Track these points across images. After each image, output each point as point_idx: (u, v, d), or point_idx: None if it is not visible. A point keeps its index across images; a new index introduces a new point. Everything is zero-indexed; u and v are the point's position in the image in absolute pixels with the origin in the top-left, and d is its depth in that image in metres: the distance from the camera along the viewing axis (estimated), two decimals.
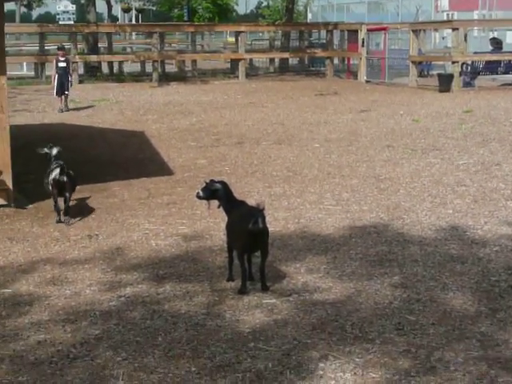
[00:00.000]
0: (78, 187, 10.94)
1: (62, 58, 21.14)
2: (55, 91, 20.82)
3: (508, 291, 6.57)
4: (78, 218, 9.34)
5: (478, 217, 9.08)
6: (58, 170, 9.14)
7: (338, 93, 25.16)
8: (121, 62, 34.05)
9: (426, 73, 30.77)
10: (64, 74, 20.88)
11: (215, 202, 7.09)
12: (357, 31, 31.15)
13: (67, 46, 32.81)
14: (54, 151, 9.64)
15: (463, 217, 9.10)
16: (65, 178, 9.11)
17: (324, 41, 36.51)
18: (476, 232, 8.45)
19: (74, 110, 20.15)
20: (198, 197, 7.11)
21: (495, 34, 35.51)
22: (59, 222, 9.14)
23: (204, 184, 7.09)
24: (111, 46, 36.13)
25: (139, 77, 32.06)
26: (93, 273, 7.27)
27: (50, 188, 9.23)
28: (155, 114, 19.67)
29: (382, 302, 6.32)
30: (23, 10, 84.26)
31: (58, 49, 22.25)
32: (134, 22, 70.39)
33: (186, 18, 58.84)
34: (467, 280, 6.88)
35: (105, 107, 21.31)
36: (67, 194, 9.16)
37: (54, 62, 21.34)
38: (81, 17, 43.16)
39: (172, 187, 11.11)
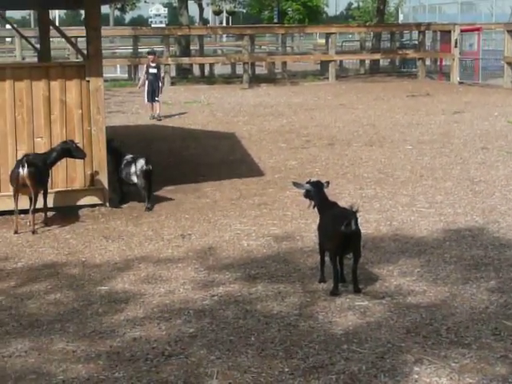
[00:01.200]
0: (171, 187, 11.17)
1: (153, 64, 20.40)
2: (146, 98, 20.15)
3: None
4: (172, 218, 9.48)
5: None
6: (143, 161, 9.83)
7: (430, 94, 24.80)
8: (212, 64, 34.42)
9: None
10: (154, 80, 20.06)
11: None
12: (449, 32, 30.64)
13: (159, 48, 33.44)
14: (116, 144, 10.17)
15: None
16: (151, 167, 9.81)
17: (415, 42, 36.06)
18: None
19: (166, 116, 20.36)
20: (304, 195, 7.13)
21: None
22: (149, 209, 9.82)
23: (298, 184, 7.12)
24: (202, 48, 36.57)
25: (230, 79, 32.32)
26: (186, 272, 7.36)
27: (137, 179, 9.90)
28: (246, 115, 19.78)
29: (478, 307, 6.20)
30: (117, 13, 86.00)
31: (149, 53, 21.75)
32: (224, 24, 71.03)
33: (275, 20, 59.10)
34: None
35: (196, 109, 21.56)
36: (150, 183, 9.95)
37: (145, 67, 20.66)
38: (172, 20, 43.81)
39: (263, 188, 11.16)
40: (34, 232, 8.88)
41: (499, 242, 8.07)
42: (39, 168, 8.95)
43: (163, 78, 22.63)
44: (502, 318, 5.95)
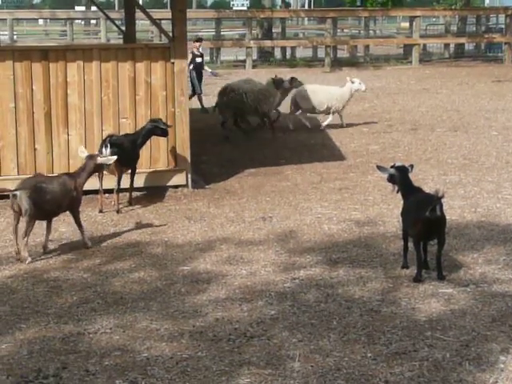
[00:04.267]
0: (252, 170, 11.21)
1: (198, 53, 18.64)
2: (199, 88, 18.38)
3: None
4: (253, 201, 9.52)
5: None
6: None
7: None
8: (293, 48, 34.28)
9: None
10: (200, 72, 18.44)
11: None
12: None
13: (242, 31, 33.48)
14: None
15: None
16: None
17: (502, 26, 35.24)
18: None
19: None
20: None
21: None
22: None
23: (382, 168, 7.05)
24: (284, 31, 36.45)
25: (311, 62, 32.14)
26: (267, 254, 7.38)
27: None
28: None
29: None
30: None
31: (197, 40, 19.50)
32: (306, 7, 70.67)
33: (358, 3, 58.50)
34: None
35: None
36: None
37: (191, 56, 17.97)
38: (253, 3, 43.83)
39: (344, 172, 11.09)
40: (118, 211, 9.03)
41: None
42: (123, 148, 9.08)
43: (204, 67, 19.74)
44: None
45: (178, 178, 10.11)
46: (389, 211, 8.73)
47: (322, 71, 28.20)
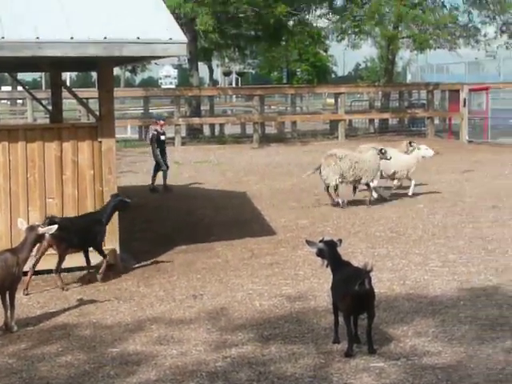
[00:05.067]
0: (183, 247, 11.15)
1: (161, 131, 18.24)
2: (165, 165, 17.85)
3: None
4: (184, 279, 9.44)
5: None
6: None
7: (440, 153, 24.75)
8: (222, 124, 34.64)
9: None
10: (163, 148, 18.05)
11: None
12: (458, 91, 30.86)
13: (170, 109, 33.70)
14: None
15: None
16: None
17: (424, 101, 36.32)
18: None
19: (176, 176, 20.38)
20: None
21: None
22: None
23: (311, 243, 7.09)
24: (213, 108, 36.85)
25: (240, 138, 32.48)
26: (198, 333, 7.29)
27: None
28: (256, 174, 19.84)
29: (494, 368, 6.11)
30: (127, 74, 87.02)
31: (160, 119, 19.48)
32: (234, 84, 71.72)
33: (285, 81, 59.64)
34: None
35: (207, 169, 21.64)
36: None
37: (155, 134, 17.98)
38: (182, 81, 44.30)
39: (275, 247, 11.12)
40: (63, 289, 8.96)
41: None
42: (71, 228, 9.08)
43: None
44: None
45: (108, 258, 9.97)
46: (319, 285, 8.76)
47: (251, 147, 28.51)
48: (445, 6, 36.43)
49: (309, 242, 7.22)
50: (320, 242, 7.03)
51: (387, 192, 15.56)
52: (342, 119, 31.68)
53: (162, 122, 18.90)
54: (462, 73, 51.52)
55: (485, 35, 36.11)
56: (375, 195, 15.00)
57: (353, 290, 6.31)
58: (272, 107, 47.19)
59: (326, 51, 56.68)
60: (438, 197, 15.29)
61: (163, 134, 18.46)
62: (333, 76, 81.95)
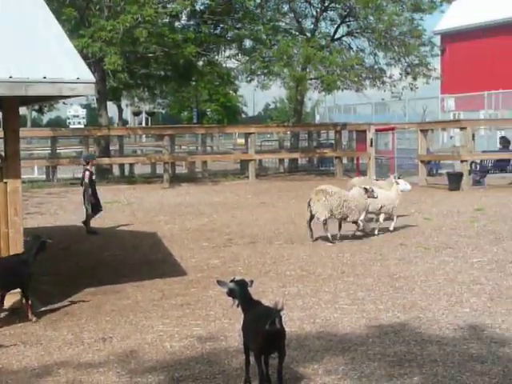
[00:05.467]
0: (92, 289, 10.98)
1: (92, 170, 17.77)
2: (95, 209, 17.35)
3: None
4: (92, 321, 9.28)
5: (496, 315, 8.98)
6: None
7: None
8: (132, 164, 34.48)
9: (434, 172, 30.98)
10: (95, 189, 17.54)
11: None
12: (365, 131, 31.54)
13: (79, 149, 33.33)
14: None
15: (480, 315, 9.00)
16: None
17: (332, 141, 36.99)
18: (494, 331, 8.34)
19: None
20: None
21: (503, 133, 35.87)
22: None
23: (222, 283, 7.08)
24: (122, 148, 36.65)
25: (150, 178, 32.36)
26: (107, 376, 7.17)
27: None
28: (167, 214, 19.75)
29: None
30: (34, 114, 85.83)
31: (91, 158, 19.09)
32: (143, 124, 71.57)
33: (195, 120, 59.87)
34: (488, 380, 6.76)
35: (116, 209, 21.42)
36: None
37: (88, 174, 17.36)
38: (91, 121, 43.93)
39: (185, 288, 11.06)
40: None
41: (421, 337, 8.14)
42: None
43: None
44: None
45: (13, 302, 9.73)
46: (230, 326, 8.74)
47: (161, 187, 28.41)
48: (351, 48, 37.34)
49: (220, 282, 7.21)
50: (231, 281, 7.03)
51: (368, 226, 15.91)
52: (253, 159, 31.91)
53: (93, 161, 18.56)
54: (368, 113, 52.80)
55: (390, 77, 37.06)
56: (362, 228, 15.40)
57: (263, 330, 6.32)
58: (182, 147, 47.29)
59: (235, 91, 57.24)
60: (347, 235, 15.49)
61: (93, 173, 18.08)
62: (243, 116, 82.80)
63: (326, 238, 14.79)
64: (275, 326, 6.31)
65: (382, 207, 15.70)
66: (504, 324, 8.57)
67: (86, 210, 17.30)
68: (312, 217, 14.87)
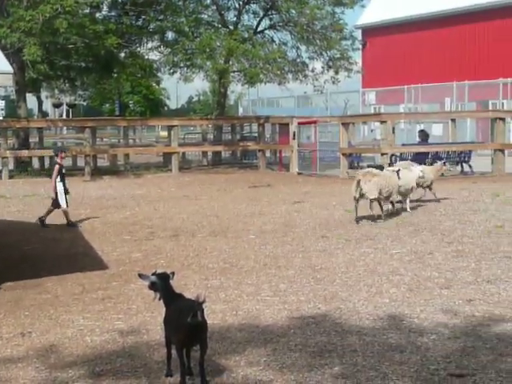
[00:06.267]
0: (10, 284, 10.78)
1: (62, 163, 17.27)
2: (66, 203, 16.76)
3: (447, 380, 6.59)
4: (11, 316, 9.11)
5: (414, 305, 9.15)
6: None
7: (271, 185, 25.43)
8: (52, 157, 33.86)
9: (356, 164, 31.36)
10: (65, 183, 16.96)
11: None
12: (288, 124, 31.75)
13: None
14: None
15: (399, 306, 9.16)
16: None
17: (256, 134, 37.11)
18: (413, 321, 8.50)
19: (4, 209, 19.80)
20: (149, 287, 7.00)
21: (422, 127, 36.58)
22: None
23: (143, 276, 7.03)
24: (42, 140, 36.01)
25: (71, 171, 31.80)
26: (26, 371, 7.06)
27: None
28: (88, 208, 19.52)
29: None
30: None
31: (60, 150, 18.62)
32: (64, 116, 70.49)
33: (117, 113, 59.28)
34: (407, 369, 6.89)
35: (36, 202, 21.06)
36: None
37: (58, 167, 16.93)
38: (10, 112, 43.12)
39: (107, 282, 10.95)
40: None
41: (341, 328, 8.25)
42: None
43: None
44: None
45: None
46: (152, 319, 8.70)
47: (83, 180, 28.07)
48: (274, 42, 37.46)
49: (141, 275, 7.16)
50: (152, 274, 7.00)
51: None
52: (176, 152, 31.79)
53: (63, 153, 17.98)
54: (291, 106, 53.19)
55: (312, 70, 37.32)
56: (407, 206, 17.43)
57: (185, 323, 6.30)
58: (104, 139, 46.80)
59: (158, 84, 56.89)
60: (270, 228, 15.59)
61: (63, 166, 17.40)
62: (166, 108, 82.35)
63: (370, 217, 15.98)
64: (197, 318, 6.30)
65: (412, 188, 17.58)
66: (422, 314, 8.75)
67: (56, 204, 16.82)
68: (361, 196, 15.87)
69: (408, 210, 17.32)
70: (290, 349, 7.52)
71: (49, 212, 16.84)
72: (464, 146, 28.58)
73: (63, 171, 17.09)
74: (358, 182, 15.80)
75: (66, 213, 16.67)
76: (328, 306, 9.18)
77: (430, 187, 18.87)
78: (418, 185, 18.12)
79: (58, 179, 16.84)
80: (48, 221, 16.69)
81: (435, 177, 18.97)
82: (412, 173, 17.58)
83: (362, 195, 15.81)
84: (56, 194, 16.77)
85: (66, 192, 16.86)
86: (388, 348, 7.51)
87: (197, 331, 6.41)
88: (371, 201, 15.98)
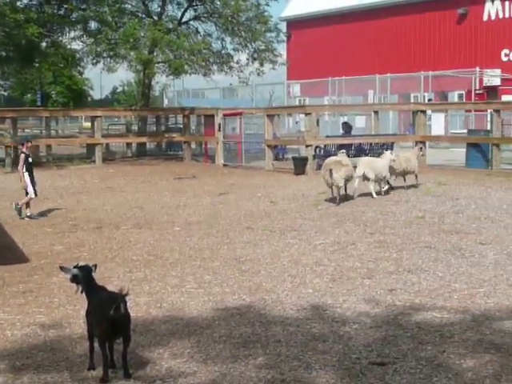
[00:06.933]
0: None
1: (28, 153, 16.96)
2: (34, 192, 16.59)
3: (369, 368, 6.68)
4: None
5: (337, 295, 9.25)
6: None
7: (197, 176, 25.38)
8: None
9: (281, 156, 31.53)
10: (32, 172, 16.75)
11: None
12: (213, 116, 31.70)
13: None
14: None
15: (323, 296, 9.25)
16: None
17: (181, 125, 36.95)
18: (336, 310, 8.60)
19: None
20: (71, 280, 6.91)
21: (345, 119, 36.99)
22: None
23: (65, 269, 6.94)
24: None
25: None
26: None
27: None
28: (9, 200, 19.09)
29: None
30: None
31: (26, 140, 18.06)
32: None
33: (39, 103, 58.22)
34: (329, 358, 6.96)
35: None
36: None
37: (24, 157, 16.62)
38: None
39: (28, 275, 10.76)
40: None
41: (266, 318, 8.28)
42: None
43: None
44: None
45: None
46: (75, 312, 8.59)
47: (4, 172, 27.53)
48: (199, 33, 37.35)
49: (63, 268, 7.06)
50: (74, 267, 6.91)
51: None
52: (99, 143, 31.47)
53: (29, 143, 17.49)
54: (217, 98, 53.14)
55: (237, 62, 37.32)
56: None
57: (108, 316, 6.24)
58: (26, 130, 45.94)
59: (81, 74, 56.04)
60: (195, 219, 15.55)
61: (29, 155, 17.04)
62: (89, 99, 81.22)
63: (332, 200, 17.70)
64: (120, 311, 6.25)
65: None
66: (345, 304, 8.85)
67: (26, 194, 16.53)
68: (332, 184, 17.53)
69: (374, 196, 18.38)
70: (214, 340, 7.53)
71: (25, 202, 16.54)
72: (386, 138, 28.98)
73: (30, 160, 16.81)
74: (331, 170, 17.30)
75: (28, 202, 16.48)
76: (252, 297, 9.21)
77: (415, 173, 20.30)
78: (398, 171, 19.62)
79: (24, 169, 16.58)
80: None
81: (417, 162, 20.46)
82: (384, 160, 19.01)
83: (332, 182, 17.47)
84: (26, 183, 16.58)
85: (33, 181, 16.68)
86: (311, 338, 7.58)
87: (120, 324, 6.36)
88: (339, 187, 17.58)
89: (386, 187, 19.36)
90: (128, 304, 6.45)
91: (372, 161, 19.32)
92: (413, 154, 20.80)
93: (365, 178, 18.52)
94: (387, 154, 19.38)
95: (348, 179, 17.93)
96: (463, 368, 6.65)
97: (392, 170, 19.18)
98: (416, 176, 20.44)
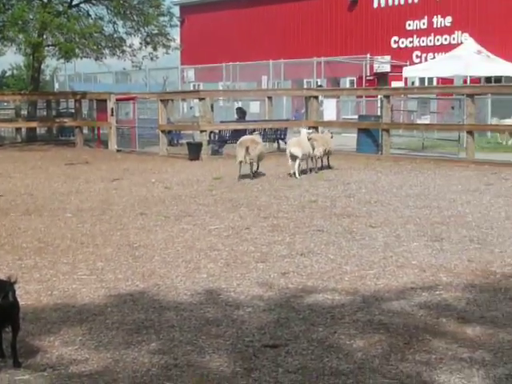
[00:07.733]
0: None
1: None
2: None
3: (261, 350, 6.74)
4: None
5: (231, 280, 9.29)
6: None
7: (89, 162, 25.01)
8: None
9: (175, 141, 31.40)
10: None
11: None
12: (106, 101, 31.25)
13: None
14: None
15: (217, 280, 9.27)
16: None
17: (72, 110, 36.28)
18: (229, 294, 8.63)
19: None
20: None
21: (240, 104, 37.12)
22: None
23: None
24: None
25: None
26: None
27: None
28: None
29: (140, 370, 6.25)
30: None
31: None
32: None
33: None
34: (223, 342, 6.99)
35: None
36: None
37: None
38: None
39: None
40: None
41: (159, 304, 8.25)
42: None
43: None
44: (163, 380, 6.05)
45: None
46: None
47: None
48: (90, 16, 36.69)
49: None
50: None
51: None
52: None
53: None
54: (110, 82, 52.44)
55: (130, 46, 36.87)
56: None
57: None
58: None
59: None
60: (87, 206, 15.32)
61: None
62: None
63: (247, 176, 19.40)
64: (8, 299, 6.11)
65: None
66: (239, 288, 8.90)
67: None
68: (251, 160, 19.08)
69: (297, 176, 19.30)
70: (107, 327, 7.44)
71: None
72: (280, 124, 29.26)
73: None
74: (247, 148, 18.68)
75: None
76: (146, 283, 9.15)
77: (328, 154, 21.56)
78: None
79: None
80: None
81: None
82: (303, 136, 20.02)
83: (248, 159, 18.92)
84: None
85: None
86: (205, 322, 7.59)
87: (8, 312, 6.22)
88: (252, 163, 19.24)
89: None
90: (17, 292, 6.31)
91: (300, 140, 20.00)
92: (326, 135, 22.02)
93: (292, 156, 19.31)
94: (303, 131, 20.43)
95: (261, 157, 19.51)
96: (353, 348, 6.80)
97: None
98: (328, 158, 21.69)
